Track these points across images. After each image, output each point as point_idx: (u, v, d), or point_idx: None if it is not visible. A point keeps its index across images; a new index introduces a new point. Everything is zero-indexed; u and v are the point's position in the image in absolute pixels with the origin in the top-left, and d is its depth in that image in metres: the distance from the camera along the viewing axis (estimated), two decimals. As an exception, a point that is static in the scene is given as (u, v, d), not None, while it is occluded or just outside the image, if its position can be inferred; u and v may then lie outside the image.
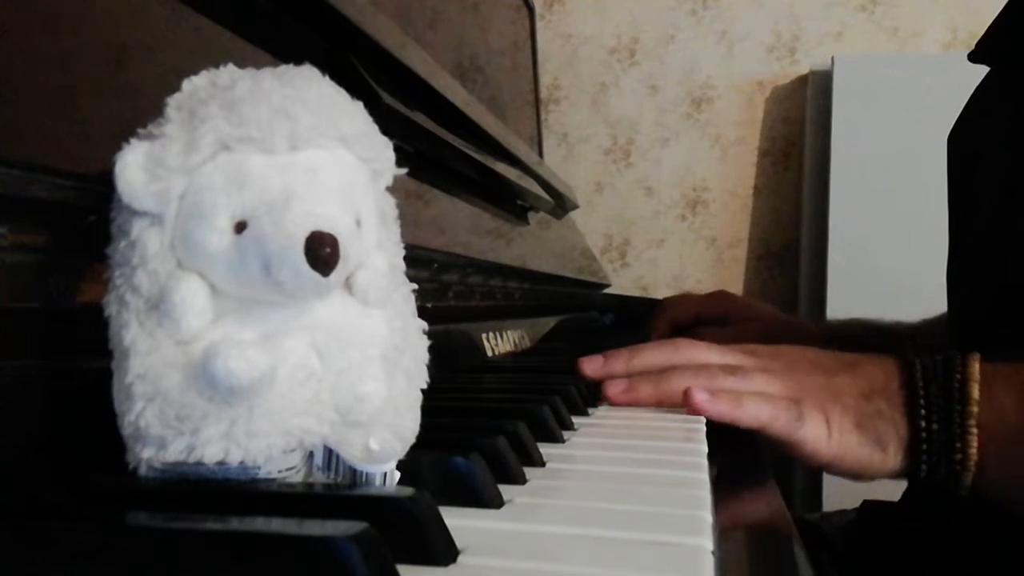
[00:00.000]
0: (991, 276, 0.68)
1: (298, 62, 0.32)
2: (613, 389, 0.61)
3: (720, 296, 1.13)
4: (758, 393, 0.56)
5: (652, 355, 0.64)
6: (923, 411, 0.55)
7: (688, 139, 2.12)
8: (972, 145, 0.75)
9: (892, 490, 0.80)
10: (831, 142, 1.86)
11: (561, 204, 1.46)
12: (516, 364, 0.91)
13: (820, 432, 0.56)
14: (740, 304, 1.10)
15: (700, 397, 0.55)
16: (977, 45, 0.76)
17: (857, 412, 0.56)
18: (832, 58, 1.90)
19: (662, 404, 0.60)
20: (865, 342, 0.91)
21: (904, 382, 0.56)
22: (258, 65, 0.32)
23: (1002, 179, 0.67)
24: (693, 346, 0.64)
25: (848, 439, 0.56)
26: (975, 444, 0.54)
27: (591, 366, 0.65)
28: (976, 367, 0.55)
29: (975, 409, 0.54)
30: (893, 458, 0.56)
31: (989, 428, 0.54)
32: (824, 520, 0.88)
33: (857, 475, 0.58)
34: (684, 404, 0.56)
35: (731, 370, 0.59)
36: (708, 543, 0.30)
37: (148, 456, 0.29)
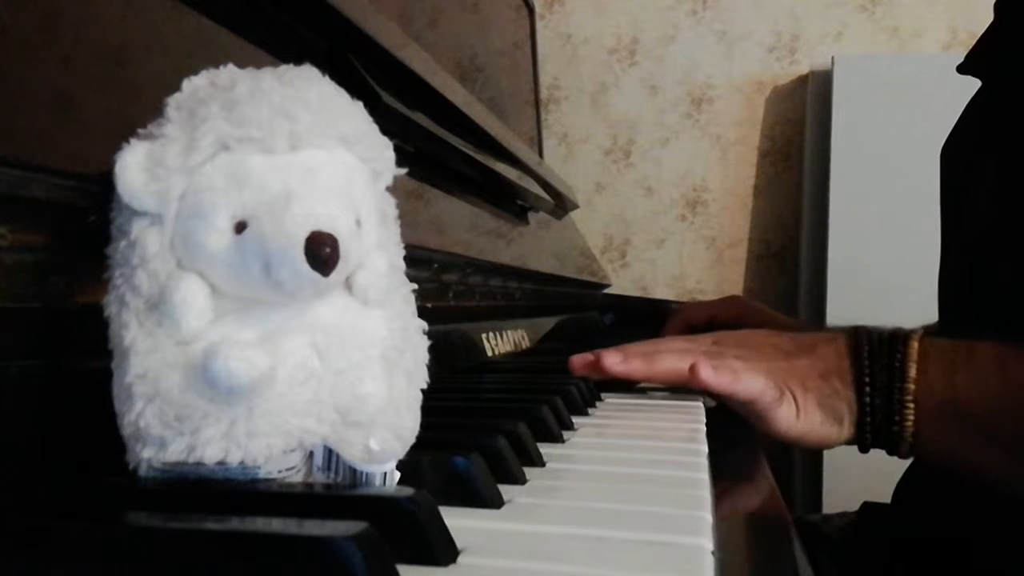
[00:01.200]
0: (980, 286, 0.69)
1: (298, 62, 0.32)
2: (609, 359, 0.66)
3: (734, 301, 1.14)
4: (751, 367, 0.62)
5: (638, 347, 0.68)
6: (867, 388, 0.62)
7: (688, 139, 2.12)
8: (963, 157, 0.76)
9: (892, 492, 0.80)
10: (831, 142, 1.86)
11: (561, 204, 1.46)
12: (516, 364, 0.91)
13: (791, 412, 0.62)
14: (754, 310, 1.11)
15: (705, 371, 0.60)
16: (966, 57, 0.77)
17: (818, 393, 0.63)
18: (832, 58, 1.90)
19: (651, 379, 0.66)
20: None
21: (853, 360, 0.63)
22: (258, 65, 0.32)
23: (990, 190, 0.68)
24: (674, 340, 0.71)
25: (812, 418, 0.62)
26: (911, 417, 0.61)
27: (580, 362, 0.69)
28: (915, 347, 0.61)
29: (911, 386, 0.60)
30: (847, 430, 0.63)
31: (921, 401, 0.60)
32: (824, 521, 0.88)
33: (817, 447, 0.65)
34: (689, 380, 0.61)
35: (713, 355, 0.64)
36: (708, 543, 0.30)
37: (148, 456, 0.29)
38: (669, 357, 0.65)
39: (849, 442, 0.64)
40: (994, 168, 0.68)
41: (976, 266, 0.70)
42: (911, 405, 0.61)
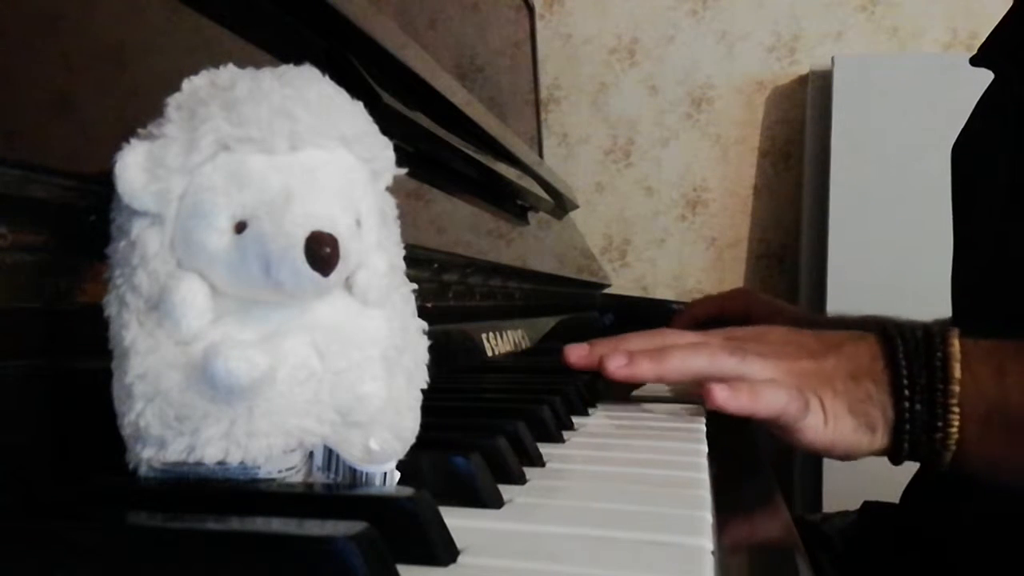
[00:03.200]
0: (997, 283, 0.68)
1: (298, 62, 0.32)
2: (612, 363, 0.59)
3: (742, 293, 1.13)
4: (769, 380, 0.56)
5: (641, 340, 0.62)
6: (907, 391, 0.55)
7: (688, 139, 2.12)
8: (977, 153, 0.75)
9: (893, 491, 0.80)
10: (831, 142, 1.86)
11: (561, 204, 1.46)
12: (516, 364, 0.91)
13: (819, 419, 0.56)
14: (762, 301, 1.10)
15: (721, 394, 0.54)
16: (980, 49, 0.76)
17: (848, 397, 0.56)
18: (832, 58, 1.90)
19: (662, 380, 0.59)
20: None
21: (887, 361, 0.56)
22: (258, 65, 0.32)
23: (1005, 184, 0.67)
24: (680, 332, 0.63)
25: (842, 425, 0.56)
26: (956, 423, 0.54)
27: (577, 353, 0.62)
28: (956, 345, 0.55)
29: (956, 388, 0.54)
30: (880, 439, 0.57)
31: (968, 406, 0.54)
32: (825, 521, 0.88)
33: (847, 457, 0.58)
34: (703, 395, 0.55)
35: (730, 349, 0.58)
36: (708, 543, 0.30)
37: (148, 456, 0.29)
38: (680, 354, 0.58)
39: (881, 452, 0.58)
40: (1009, 162, 0.67)
41: (991, 263, 0.69)
42: (956, 410, 0.54)
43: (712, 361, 0.57)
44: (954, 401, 0.54)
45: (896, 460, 0.58)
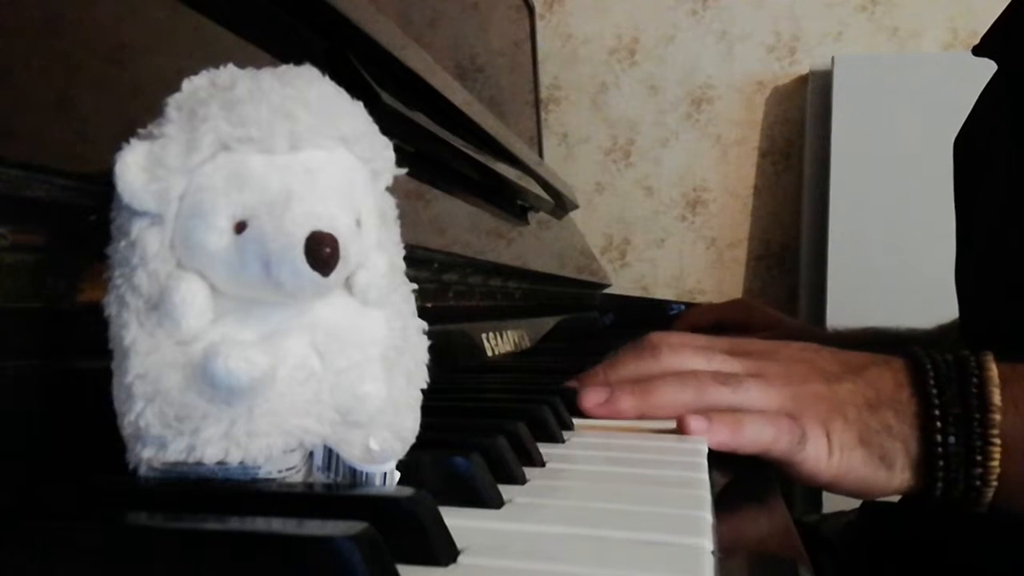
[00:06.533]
0: (1000, 277, 0.68)
1: (298, 62, 0.32)
2: (590, 401, 0.55)
3: (740, 303, 1.14)
4: (757, 412, 0.51)
5: (631, 365, 0.57)
6: (939, 423, 0.50)
7: (688, 139, 2.12)
8: (979, 146, 0.75)
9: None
10: (831, 142, 1.87)
11: (561, 204, 1.46)
12: (516, 364, 0.91)
13: (821, 451, 0.51)
14: (761, 312, 1.10)
15: (696, 425, 0.49)
16: (983, 39, 0.75)
17: (861, 426, 0.51)
18: (832, 58, 1.90)
19: (645, 417, 0.54)
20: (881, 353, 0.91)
21: (915, 389, 0.51)
22: (258, 65, 0.32)
23: (1008, 176, 0.67)
24: (675, 350, 0.57)
25: (851, 457, 0.51)
26: (998, 456, 0.49)
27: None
28: (994, 369, 0.50)
29: (997, 417, 0.49)
30: (900, 476, 0.51)
31: (1010, 437, 0.49)
32: (823, 522, 0.88)
33: (858, 494, 0.54)
34: (678, 427, 0.51)
35: (722, 379, 0.53)
36: (708, 543, 0.30)
37: (148, 456, 0.29)
38: (665, 388, 0.53)
39: (907, 491, 0.52)
40: (1009, 153, 0.67)
41: (996, 256, 0.68)
42: (997, 442, 0.49)
43: (701, 393, 0.52)
44: (994, 432, 0.49)
45: (928, 501, 0.51)
